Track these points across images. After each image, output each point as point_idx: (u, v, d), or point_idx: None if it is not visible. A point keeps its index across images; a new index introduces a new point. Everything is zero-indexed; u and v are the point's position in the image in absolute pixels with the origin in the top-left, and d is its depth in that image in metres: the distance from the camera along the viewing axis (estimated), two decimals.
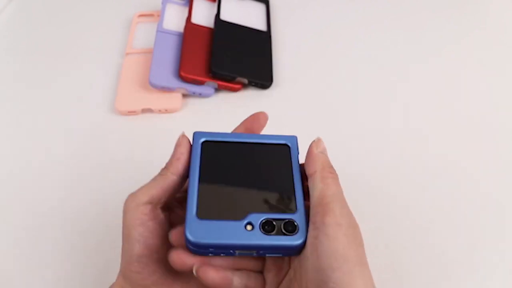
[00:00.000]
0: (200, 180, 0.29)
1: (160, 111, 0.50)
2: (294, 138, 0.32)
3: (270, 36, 0.57)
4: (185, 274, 0.28)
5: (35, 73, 0.55)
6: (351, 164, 0.45)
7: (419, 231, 0.40)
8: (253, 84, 0.52)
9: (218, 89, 0.52)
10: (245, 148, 0.31)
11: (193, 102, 0.52)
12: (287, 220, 0.27)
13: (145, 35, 0.57)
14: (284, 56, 0.56)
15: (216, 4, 0.57)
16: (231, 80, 0.51)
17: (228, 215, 0.27)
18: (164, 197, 0.29)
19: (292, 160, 0.30)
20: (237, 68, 0.51)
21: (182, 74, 0.50)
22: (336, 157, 0.45)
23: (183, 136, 0.30)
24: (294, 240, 0.26)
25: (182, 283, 0.28)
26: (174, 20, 0.56)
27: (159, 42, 0.53)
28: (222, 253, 0.27)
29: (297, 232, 0.27)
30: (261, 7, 0.60)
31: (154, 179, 0.29)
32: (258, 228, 0.27)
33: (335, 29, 0.59)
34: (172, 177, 0.29)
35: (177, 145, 0.30)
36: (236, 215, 0.27)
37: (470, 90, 0.52)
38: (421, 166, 0.45)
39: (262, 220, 0.27)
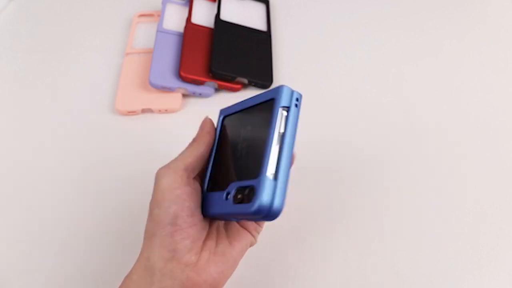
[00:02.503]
0: (214, 156, 0.31)
1: (160, 111, 0.50)
2: (280, 89, 0.27)
3: (270, 36, 0.57)
4: (214, 244, 0.29)
5: (35, 72, 0.55)
6: (351, 162, 0.45)
7: (418, 230, 0.40)
8: (253, 84, 0.52)
9: (218, 89, 0.52)
10: (243, 115, 0.31)
11: (193, 102, 0.52)
12: (250, 187, 0.25)
13: (145, 35, 0.57)
14: (284, 56, 0.56)
15: (216, 4, 0.57)
16: (231, 80, 0.51)
17: (218, 186, 0.29)
18: (197, 166, 0.30)
19: (273, 115, 0.26)
20: (237, 68, 0.51)
21: (182, 74, 0.50)
22: (337, 156, 0.46)
23: (208, 118, 0.32)
24: (248, 208, 0.24)
25: (211, 253, 0.29)
26: (174, 20, 0.56)
27: (159, 42, 0.53)
28: (224, 219, 0.30)
29: (254, 199, 0.24)
30: (261, 7, 0.60)
31: (187, 149, 0.31)
32: (232, 197, 0.26)
33: (335, 29, 0.59)
34: (203, 147, 0.31)
35: (204, 123, 0.32)
36: (223, 185, 0.28)
37: (469, 89, 0.52)
38: (422, 165, 0.45)
39: (235, 189, 0.26)
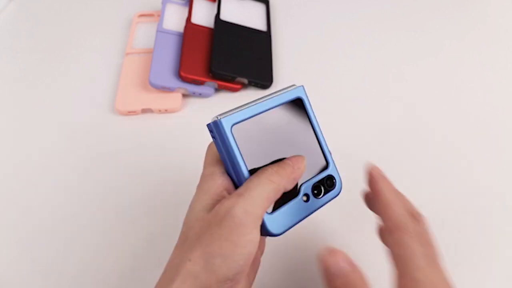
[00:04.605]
0: (249, 171, 0.28)
1: (160, 111, 0.50)
2: (301, 89, 0.31)
3: (270, 36, 0.57)
4: None
5: (35, 73, 0.55)
6: (351, 163, 0.45)
7: None
8: (253, 84, 0.52)
9: (218, 89, 0.52)
10: (266, 118, 0.29)
11: (193, 102, 0.52)
12: (326, 177, 0.30)
13: (145, 35, 0.57)
14: (284, 56, 0.56)
15: (216, 4, 0.57)
16: (231, 80, 0.51)
17: (284, 198, 0.28)
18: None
19: (309, 113, 0.31)
20: (237, 68, 0.51)
21: (182, 74, 0.50)
22: (336, 156, 0.46)
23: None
24: (335, 193, 0.30)
25: None
26: (174, 20, 0.56)
27: (159, 42, 0.53)
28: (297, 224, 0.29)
29: (335, 184, 0.31)
30: (261, 7, 0.60)
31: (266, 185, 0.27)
32: (312, 196, 0.29)
33: (335, 29, 0.59)
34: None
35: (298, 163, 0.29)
36: (289, 195, 0.28)
37: (469, 89, 0.52)
38: (422, 165, 0.45)
39: (312, 187, 0.29)
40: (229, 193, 0.27)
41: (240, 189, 0.26)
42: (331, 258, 0.25)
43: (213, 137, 0.28)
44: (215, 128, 0.27)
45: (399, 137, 0.47)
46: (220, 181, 0.27)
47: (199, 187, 0.28)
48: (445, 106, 0.50)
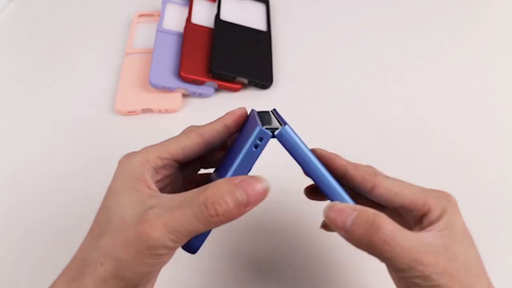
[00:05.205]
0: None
1: (160, 111, 0.50)
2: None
3: (270, 36, 0.57)
4: None
5: (35, 73, 0.55)
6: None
7: None
8: (253, 84, 0.52)
9: (218, 89, 0.52)
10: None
11: (193, 102, 0.52)
12: None
13: (145, 35, 0.57)
14: (284, 56, 0.56)
15: (216, 4, 0.57)
16: (231, 80, 0.51)
17: None
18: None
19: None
20: (237, 68, 0.51)
21: (182, 74, 0.50)
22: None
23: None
24: None
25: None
26: (174, 20, 0.57)
27: (159, 42, 0.53)
28: None
29: None
30: (261, 7, 0.60)
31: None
32: None
33: (335, 29, 0.59)
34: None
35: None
36: None
37: (469, 89, 0.52)
38: (421, 164, 0.45)
39: None
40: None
41: (173, 212, 0.23)
42: (331, 214, 0.25)
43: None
44: (281, 140, 0.26)
45: (399, 137, 0.47)
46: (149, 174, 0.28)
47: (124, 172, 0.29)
48: (445, 106, 0.50)
